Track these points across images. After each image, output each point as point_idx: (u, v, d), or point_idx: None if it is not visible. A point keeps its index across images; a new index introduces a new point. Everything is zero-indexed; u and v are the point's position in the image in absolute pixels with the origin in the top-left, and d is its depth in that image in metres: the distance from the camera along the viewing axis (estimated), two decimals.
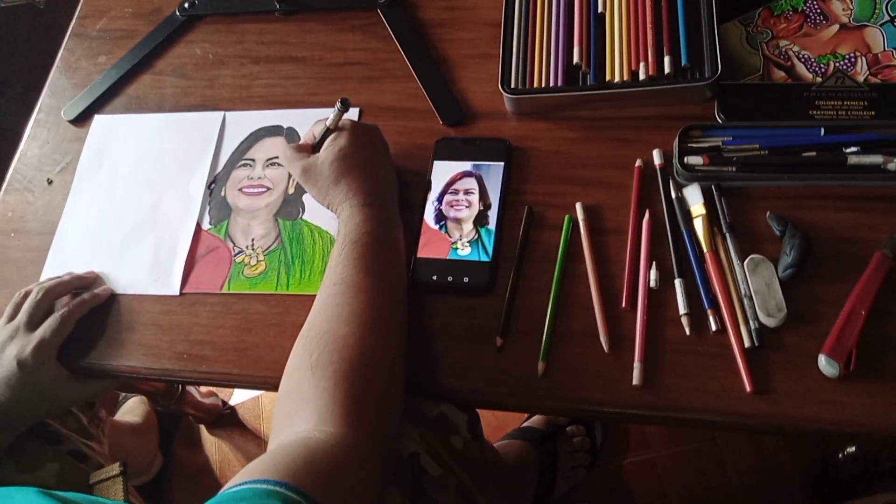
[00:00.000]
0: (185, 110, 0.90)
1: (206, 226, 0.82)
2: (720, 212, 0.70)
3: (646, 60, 0.76)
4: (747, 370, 0.63)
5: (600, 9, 0.80)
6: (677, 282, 0.68)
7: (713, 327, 0.66)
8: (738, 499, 1.12)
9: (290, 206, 0.81)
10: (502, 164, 0.77)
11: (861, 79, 0.73)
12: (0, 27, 1.62)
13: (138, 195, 0.86)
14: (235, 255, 0.80)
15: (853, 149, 0.69)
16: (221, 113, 0.88)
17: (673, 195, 0.71)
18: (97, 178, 0.88)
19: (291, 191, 0.82)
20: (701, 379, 0.65)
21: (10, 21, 1.63)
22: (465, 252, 0.74)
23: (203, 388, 1.34)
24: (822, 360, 0.62)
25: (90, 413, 0.92)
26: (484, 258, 0.73)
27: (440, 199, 0.77)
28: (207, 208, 0.83)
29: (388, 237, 0.70)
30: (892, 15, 0.76)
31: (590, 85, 0.77)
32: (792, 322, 0.65)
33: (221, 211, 0.83)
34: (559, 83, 0.78)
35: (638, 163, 0.74)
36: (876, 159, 0.68)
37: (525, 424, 1.17)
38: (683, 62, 0.75)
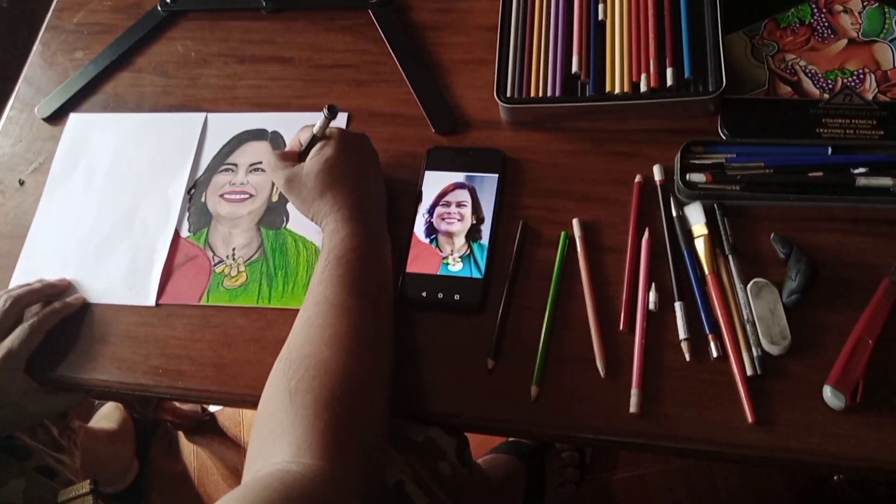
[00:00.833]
0: (166, 110, 0.86)
1: (184, 233, 0.79)
2: (723, 232, 0.67)
3: (647, 72, 0.73)
4: (749, 400, 0.61)
5: (601, 16, 0.77)
6: (677, 305, 0.65)
7: (714, 353, 0.63)
8: None
9: (273, 215, 0.78)
10: (496, 176, 0.74)
11: (870, 96, 0.71)
12: None
13: (114, 199, 0.82)
14: (215, 265, 0.76)
15: (861, 170, 0.67)
16: (203, 114, 0.85)
17: (674, 213, 0.69)
18: (71, 180, 0.84)
19: (275, 198, 0.79)
20: (701, 407, 0.62)
21: None
22: (456, 268, 0.70)
23: None
24: (828, 392, 0.60)
25: (61, 424, 0.88)
26: (476, 275, 0.70)
27: (431, 212, 0.74)
28: (187, 215, 0.79)
29: (374, 253, 0.66)
30: None
31: (589, 96, 0.74)
32: (796, 350, 0.62)
33: (201, 218, 0.79)
34: (557, 93, 0.75)
35: (638, 178, 0.71)
36: (885, 182, 0.66)
37: (513, 438, 1.14)
38: (686, 74, 0.72)
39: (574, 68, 0.75)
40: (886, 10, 0.75)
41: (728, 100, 0.72)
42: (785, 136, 0.70)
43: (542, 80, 0.75)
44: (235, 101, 0.85)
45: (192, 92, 0.87)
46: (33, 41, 0.96)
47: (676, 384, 0.63)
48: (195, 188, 0.81)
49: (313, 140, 0.71)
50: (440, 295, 0.69)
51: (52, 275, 0.79)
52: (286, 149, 0.74)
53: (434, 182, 0.75)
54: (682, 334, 0.64)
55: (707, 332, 0.64)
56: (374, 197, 0.71)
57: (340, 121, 0.81)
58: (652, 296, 0.66)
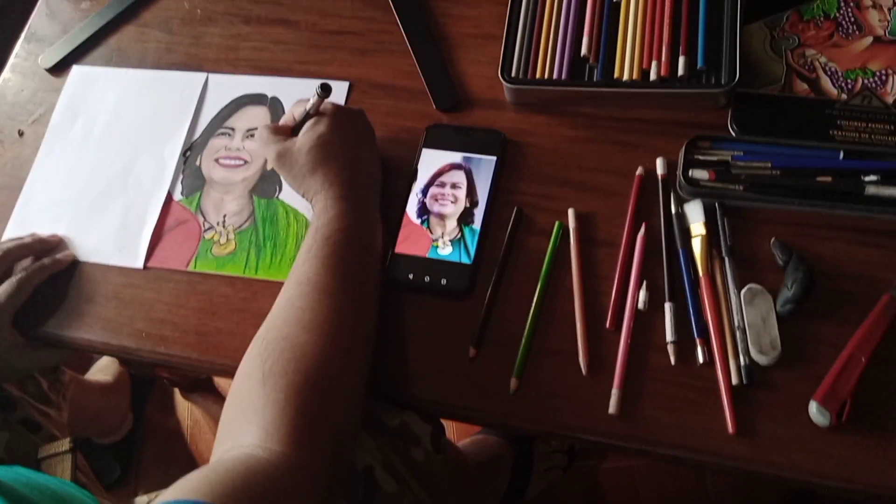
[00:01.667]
0: (168, 68, 0.85)
1: (177, 196, 0.78)
2: (721, 233, 0.64)
3: (658, 59, 0.70)
4: (731, 409, 0.59)
5: None
6: (667, 305, 0.63)
7: (700, 359, 0.61)
8: None
9: (266, 183, 0.77)
10: (494, 158, 0.72)
11: (890, 99, 0.67)
12: None
13: (111, 156, 0.81)
14: (205, 230, 0.75)
15: (872, 177, 0.64)
16: (204, 74, 0.83)
17: (673, 210, 0.66)
18: (70, 134, 0.83)
19: (270, 167, 0.77)
20: (681, 413, 0.60)
21: None
22: (445, 251, 0.69)
23: None
24: (813, 408, 0.58)
25: (52, 377, 0.89)
26: (465, 260, 0.68)
27: (425, 192, 0.72)
28: (181, 177, 0.78)
29: (363, 235, 0.65)
30: None
31: (595, 81, 0.71)
32: (785, 362, 0.60)
33: (195, 181, 0.78)
34: (563, 76, 0.72)
35: (639, 171, 0.69)
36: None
37: None
38: (699, 64, 0.69)
39: (583, 51, 0.72)
40: None
41: (740, 93, 0.69)
42: (796, 137, 0.67)
43: (549, 60, 0.73)
44: (237, 62, 0.83)
45: (194, 51, 0.85)
46: None
47: (658, 387, 0.61)
48: (191, 150, 0.79)
49: (306, 116, 0.69)
50: (427, 278, 0.68)
51: (45, 228, 0.78)
52: (280, 122, 0.72)
53: (430, 161, 0.73)
54: (669, 336, 0.62)
55: (695, 336, 0.62)
56: (367, 175, 0.69)
57: (341, 90, 0.79)
58: (642, 295, 0.64)
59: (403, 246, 0.70)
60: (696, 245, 0.65)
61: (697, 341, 0.62)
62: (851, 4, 0.72)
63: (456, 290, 0.67)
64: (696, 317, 0.62)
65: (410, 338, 0.67)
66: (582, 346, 0.63)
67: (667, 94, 0.69)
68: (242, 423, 0.53)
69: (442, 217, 0.70)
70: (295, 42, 0.83)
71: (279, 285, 0.69)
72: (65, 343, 0.74)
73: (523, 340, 0.64)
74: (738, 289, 0.63)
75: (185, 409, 1.28)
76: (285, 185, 0.75)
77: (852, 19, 0.71)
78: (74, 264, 0.76)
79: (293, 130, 0.70)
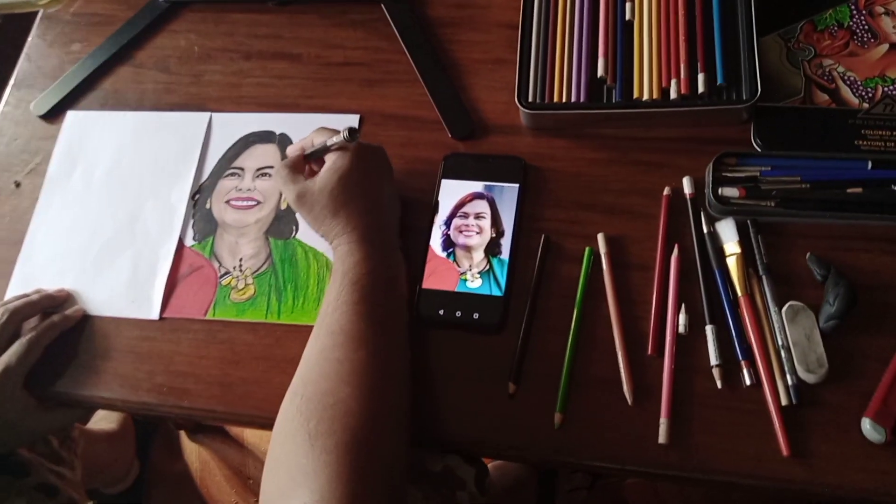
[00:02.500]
0: (168, 109, 0.82)
1: (189, 242, 0.75)
2: (756, 251, 0.64)
3: (677, 77, 0.69)
4: (783, 431, 0.58)
5: (628, 16, 0.73)
6: (708, 328, 0.62)
7: (747, 381, 0.60)
8: None
9: (282, 224, 0.74)
10: (517, 185, 0.70)
11: None
12: None
13: (115, 204, 0.78)
14: (221, 276, 0.73)
15: None
16: (208, 114, 0.81)
17: (704, 229, 0.65)
18: (70, 183, 0.80)
19: (284, 206, 0.75)
20: (733, 439, 0.59)
21: None
22: (475, 284, 0.67)
23: None
24: (866, 424, 0.57)
25: (62, 434, 0.85)
26: (496, 292, 0.66)
27: (448, 223, 0.70)
28: (191, 222, 0.76)
29: (390, 277, 0.63)
30: None
31: (616, 102, 0.70)
32: (834, 379, 0.59)
33: (206, 225, 0.75)
34: (582, 98, 0.71)
35: (666, 191, 0.68)
36: None
37: None
38: (719, 81, 0.69)
39: (600, 72, 0.71)
40: None
41: (761, 108, 0.68)
42: (822, 149, 0.66)
43: (566, 83, 0.71)
44: (241, 100, 0.81)
45: (195, 90, 0.83)
46: (28, 31, 0.91)
47: (707, 413, 0.60)
48: (200, 193, 0.77)
49: (325, 150, 0.67)
50: (458, 313, 0.66)
51: (49, 283, 0.75)
52: (293, 148, 0.70)
53: (451, 191, 0.72)
54: (713, 360, 0.61)
55: (740, 358, 0.61)
56: (388, 215, 0.67)
57: (353, 123, 0.77)
58: (682, 318, 0.63)
59: (431, 281, 0.68)
60: (732, 264, 0.64)
61: (742, 363, 0.61)
62: (864, 12, 0.72)
63: (489, 324, 0.66)
64: (739, 338, 0.61)
65: (445, 376, 0.65)
66: (625, 375, 0.62)
67: (689, 112, 0.69)
68: (293, 488, 0.51)
69: (468, 249, 0.69)
70: (299, 76, 0.81)
71: (304, 329, 0.67)
72: (81, 402, 0.72)
73: (564, 372, 0.63)
74: (779, 307, 0.62)
75: (193, 451, 1.24)
76: (302, 224, 0.73)
77: (866, 27, 0.71)
78: (85, 319, 0.73)
79: (308, 157, 0.68)
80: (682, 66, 0.70)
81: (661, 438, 0.59)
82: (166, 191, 0.77)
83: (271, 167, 0.77)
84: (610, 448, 0.60)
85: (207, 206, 0.76)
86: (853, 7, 0.72)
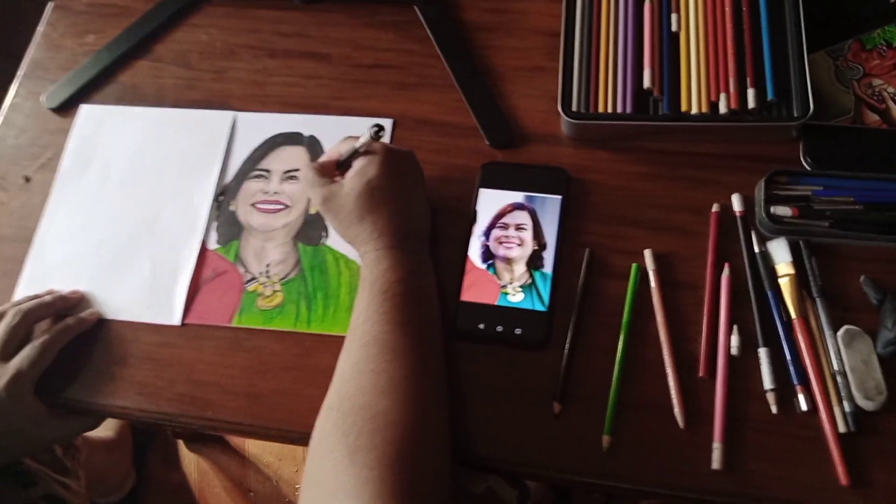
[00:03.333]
0: (189, 106, 0.79)
1: (212, 245, 0.72)
2: (810, 272, 0.62)
3: (727, 91, 0.68)
4: (842, 459, 0.56)
5: (674, 27, 0.71)
6: (761, 351, 0.60)
7: (803, 406, 0.58)
8: None
9: (311, 229, 0.71)
10: (560, 197, 0.68)
11: None
12: None
13: (133, 203, 0.74)
14: (247, 282, 0.69)
15: None
16: (232, 113, 0.77)
17: (756, 249, 0.64)
18: (84, 179, 0.76)
19: (313, 211, 0.72)
20: (789, 466, 0.57)
21: None
22: (516, 298, 0.65)
23: None
24: None
25: (66, 442, 0.81)
26: (539, 307, 0.64)
27: (487, 234, 0.68)
28: (215, 224, 0.72)
29: (420, 284, 0.61)
30: None
31: (663, 115, 0.68)
32: (893, 406, 0.58)
33: (231, 229, 0.72)
34: (628, 109, 0.69)
35: (715, 208, 0.66)
36: None
37: None
38: (769, 96, 0.67)
39: (646, 83, 0.69)
40: None
41: (811, 126, 0.67)
42: (874, 170, 0.65)
43: (612, 94, 0.69)
44: (266, 99, 0.78)
45: (218, 87, 0.79)
46: (39, 18, 0.87)
47: (761, 438, 0.58)
48: (224, 195, 0.74)
49: (354, 154, 0.64)
50: (499, 328, 0.64)
51: (61, 285, 0.71)
52: (324, 158, 0.67)
53: (490, 201, 0.69)
54: (767, 384, 0.59)
55: (795, 382, 0.59)
56: (417, 221, 0.65)
57: (385, 127, 0.74)
58: (734, 340, 0.61)
59: (470, 293, 0.65)
60: (784, 285, 0.62)
61: (797, 388, 0.59)
62: None
63: (532, 340, 0.63)
64: (794, 362, 0.60)
65: (487, 394, 0.62)
66: (676, 398, 0.60)
67: (738, 127, 0.67)
68: None
69: (509, 261, 0.66)
70: (328, 76, 0.78)
71: (335, 339, 0.65)
72: (94, 411, 0.68)
73: (611, 393, 0.60)
74: (834, 330, 0.60)
75: (192, 461, 1.20)
76: (332, 229, 0.70)
77: None
78: (100, 323, 0.69)
79: (339, 165, 0.65)
80: (730, 79, 0.68)
81: (715, 464, 0.57)
82: (188, 191, 0.74)
83: (299, 170, 0.73)
84: (661, 473, 0.58)
85: (232, 208, 0.73)
86: None
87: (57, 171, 0.77)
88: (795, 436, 0.58)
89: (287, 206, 0.72)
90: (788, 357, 0.60)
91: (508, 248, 0.67)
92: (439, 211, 0.69)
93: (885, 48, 0.70)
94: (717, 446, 0.58)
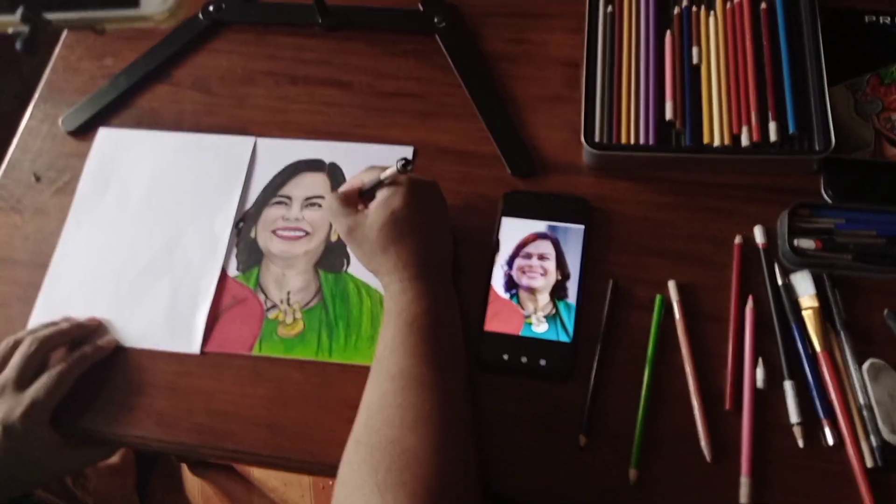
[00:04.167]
0: (209, 131, 0.79)
1: (232, 272, 0.71)
2: (833, 305, 0.62)
3: (748, 124, 0.68)
4: (870, 496, 0.56)
5: (695, 60, 0.72)
6: (787, 384, 0.60)
7: (829, 440, 0.58)
8: None
9: (333, 256, 0.71)
10: (582, 227, 0.68)
11: None
12: None
13: (152, 228, 0.74)
14: (268, 309, 0.69)
15: None
16: (252, 138, 0.77)
17: (779, 281, 0.64)
18: (102, 204, 0.76)
19: (334, 238, 0.72)
20: (817, 500, 0.57)
21: None
22: (540, 329, 0.65)
23: None
24: None
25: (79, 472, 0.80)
26: (564, 338, 0.64)
27: (510, 263, 0.68)
28: (234, 251, 0.72)
29: (445, 316, 0.60)
30: None
31: (686, 147, 0.69)
32: None
33: (251, 256, 0.72)
34: (651, 141, 0.69)
35: (738, 240, 0.66)
36: None
37: None
38: (791, 129, 0.68)
39: (668, 115, 0.70)
40: None
41: (832, 159, 0.67)
42: (895, 202, 0.66)
43: (634, 124, 0.70)
44: (288, 125, 0.78)
45: (238, 112, 0.79)
46: (56, 40, 0.87)
47: (788, 473, 0.58)
48: (244, 221, 0.73)
49: (379, 184, 0.64)
50: (524, 359, 0.63)
51: (78, 312, 0.71)
52: (346, 187, 0.67)
53: (512, 230, 0.69)
54: (793, 418, 0.59)
55: (821, 416, 0.59)
56: (441, 252, 0.65)
57: (407, 155, 0.74)
58: (759, 373, 0.61)
59: (493, 323, 0.65)
60: (808, 317, 0.62)
61: (824, 421, 0.59)
62: None
63: (557, 371, 0.63)
64: (820, 396, 0.60)
65: (511, 425, 0.62)
66: (703, 431, 0.59)
67: (762, 160, 0.67)
68: None
69: (532, 291, 0.66)
70: (350, 104, 0.78)
71: (357, 369, 0.64)
72: (111, 441, 0.67)
73: (638, 426, 0.60)
74: (859, 364, 0.60)
75: (195, 485, 1.18)
76: (353, 257, 0.70)
77: None
78: (118, 351, 0.69)
79: (362, 194, 0.65)
80: (752, 112, 0.68)
81: (743, 498, 0.57)
82: (208, 217, 0.74)
83: (321, 197, 0.73)
84: None
85: (252, 234, 0.73)
86: None
87: (74, 195, 0.77)
88: (823, 470, 0.58)
89: (308, 234, 0.72)
90: (814, 390, 0.60)
91: (532, 277, 0.67)
92: (461, 240, 0.69)
93: None
94: (744, 480, 0.57)
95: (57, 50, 0.86)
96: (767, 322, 0.63)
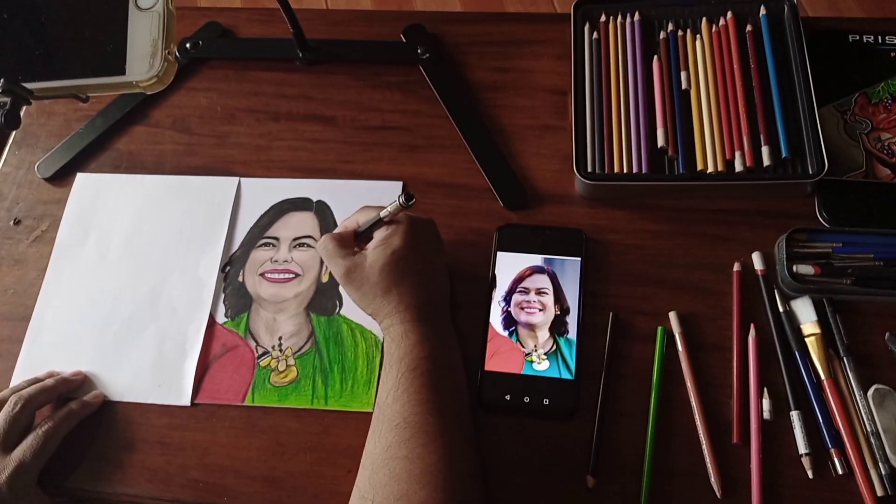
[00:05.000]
0: (190, 172, 0.77)
1: (220, 318, 0.69)
2: (836, 331, 0.62)
3: (741, 149, 0.68)
4: None
5: (684, 85, 0.71)
6: (794, 414, 0.60)
7: (839, 470, 0.57)
8: None
9: (324, 298, 0.69)
10: (579, 259, 0.67)
11: None
12: None
13: (135, 276, 0.72)
14: (259, 357, 0.67)
15: None
16: (236, 179, 0.75)
17: (780, 308, 0.63)
18: (83, 252, 0.74)
19: (325, 279, 0.70)
20: None
21: None
22: (542, 367, 0.63)
23: None
24: None
25: None
26: (566, 375, 0.63)
27: (507, 300, 0.66)
28: (222, 297, 0.70)
29: (448, 359, 0.59)
30: None
31: (680, 174, 0.68)
32: None
33: (240, 301, 0.70)
34: (644, 169, 0.68)
35: (737, 267, 0.65)
36: None
37: None
38: (783, 154, 0.67)
39: (660, 142, 0.69)
40: None
41: (825, 181, 0.67)
42: (890, 223, 0.65)
43: (626, 153, 0.69)
44: (271, 164, 0.76)
45: (220, 152, 0.77)
46: None
47: None
48: (230, 265, 0.71)
49: (377, 224, 0.62)
50: (527, 399, 0.62)
51: (62, 366, 0.68)
52: (340, 228, 0.65)
53: (508, 265, 0.68)
54: (801, 448, 0.58)
55: (829, 446, 0.58)
56: (440, 291, 0.63)
57: (395, 190, 0.73)
58: (766, 403, 0.60)
59: (494, 363, 0.64)
60: (811, 344, 0.61)
61: (832, 451, 0.58)
62: None
63: (561, 410, 0.62)
64: (827, 425, 0.59)
65: (515, 467, 0.61)
66: (712, 466, 0.58)
67: (757, 185, 0.67)
68: None
69: (531, 327, 0.65)
70: (334, 140, 0.77)
71: (355, 416, 0.63)
72: (102, 500, 0.64)
73: (646, 463, 0.59)
74: (864, 390, 0.60)
75: None
76: (346, 298, 0.68)
77: None
78: (106, 406, 0.66)
79: (357, 236, 0.64)
80: (744, 137, 0.68)
81: None
82: (193, 262, 0.72)
83: (309, 237, 0.72)
84: None
85: (240, 279, 0.71)
86: None
87: (54, 245, 0.74)
88: (833, 500, 0.57)
89: (298, 275, 0.70)
90: (821, 420, 0.59)
91: (531, 313, 0.65)
92: (456, 276, 0.67)
93: (890, 102, 0.71)
94: None
95: None
96: (770, 350, 0.62)
